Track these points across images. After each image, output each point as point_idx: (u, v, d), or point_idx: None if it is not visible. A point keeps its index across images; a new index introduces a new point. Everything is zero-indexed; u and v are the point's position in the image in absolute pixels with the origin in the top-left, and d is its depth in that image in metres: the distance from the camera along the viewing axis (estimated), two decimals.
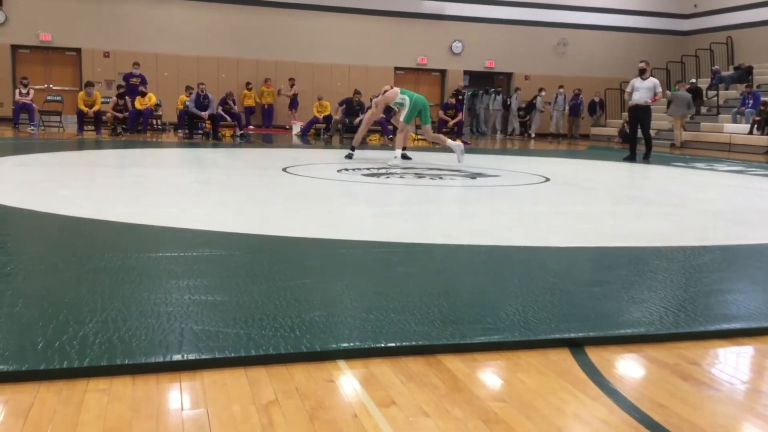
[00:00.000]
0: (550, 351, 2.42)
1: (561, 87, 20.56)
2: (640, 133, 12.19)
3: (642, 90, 11.73)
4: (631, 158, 12.08)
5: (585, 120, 21.16)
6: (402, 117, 10.02)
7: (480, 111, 21.27)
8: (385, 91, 10.29)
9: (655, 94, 11.77)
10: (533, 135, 20.56)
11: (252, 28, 19.60)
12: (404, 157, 10.38)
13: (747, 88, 17.44)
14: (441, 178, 8.01)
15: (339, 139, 15.44)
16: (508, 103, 20.89)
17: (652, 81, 11.83)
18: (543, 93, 20.50)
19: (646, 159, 12.04)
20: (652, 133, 13.06)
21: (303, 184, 7.23)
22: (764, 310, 2.94)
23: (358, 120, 15.42)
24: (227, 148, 12.47)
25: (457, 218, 5.28)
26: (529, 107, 20.89)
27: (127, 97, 15.44)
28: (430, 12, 20.94)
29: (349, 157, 10.45)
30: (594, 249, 4.25)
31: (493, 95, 20.82)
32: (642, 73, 11.87)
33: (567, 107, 20.60)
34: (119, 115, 15.11)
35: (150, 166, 9.00)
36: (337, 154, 11.60)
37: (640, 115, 11.97)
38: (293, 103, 19.49)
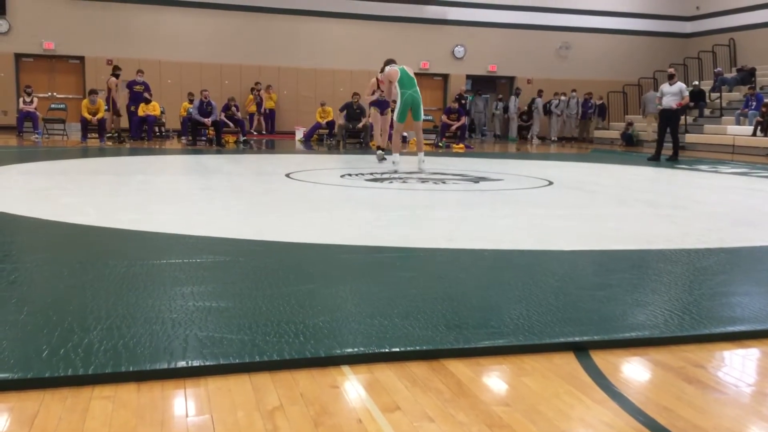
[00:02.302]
0: (554, 355, 2.42)
1: (574, 90, 20.66)
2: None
3: (669, 95, 12.32)
4: (656, 159, 12.69)
5: (588, 122, 21.24)
6: (395, 115, 9.59)
7: (499, 116, 21.26)
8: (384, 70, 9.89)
9: (682, 98, 12.50)
10: (555, 138, 20.59)
11: (254, 34, 19.65)
12: (380, 149, 10.84)
13: (750, 90, 17.42)
14: (444, 182, 8.01)
15: (342, 145, 15.46)
16: (549, 107, 20.84)
17: (679, 86, 12.51)
18: (561, 97, 20.56)
19: (674, 160, 12.66)
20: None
21: (306, 190, 7.24)
22: None
23: (361, 124, 15.49)
24: (230, 154, 12.50)
25: (461, 222, 5.28)
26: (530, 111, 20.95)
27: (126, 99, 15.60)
28: (433, 17, 20.97)
29: (383, 158, 10.60)
30: (598, 252, 4.25)
31: (535, 100, 20.70)
32: (670, 79, 12.55)
33: (579, 110, 20.70)
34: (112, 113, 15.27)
35: (154, 173, 9.02)
36: (340, 160, 11.62)
37: (669, 118, 12.66)
38: (260, 108, 19.22)
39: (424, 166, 9.15)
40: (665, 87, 12.65)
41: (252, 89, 19.12)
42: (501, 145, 18.84)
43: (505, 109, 21.09)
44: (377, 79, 10.83)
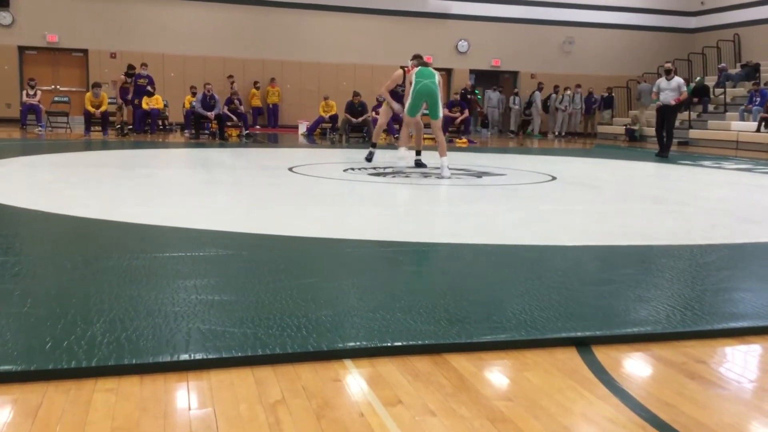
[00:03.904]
0: (556, 350, 2.42)
1: (578, 86, 20.66)
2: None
3: (667, 90, 12.08)
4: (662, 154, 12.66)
5: (592, 117, 21.25)
6: (405, 108, 8.60)
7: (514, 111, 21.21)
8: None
9: (680, 94, 12.24)
10: (563, 133, 20.57)
11: (258, 28, 19.63)
12: (418, 164, 8.94)
13: (754, 86, 17.36)
14: (447, 177, 7.99)
15: (345, 139, 15.49)
16: (554, 103, 20.79)
17: (677, 81, 12.25)
18: (567, 92, 20.57)
19: (662, 155, 12.47)
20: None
21: (309, 184, 7.24)
22: None
23: (362, 119, 15.54)
24: (233, 148, 12.50)
25: (463, 217, 5.28)
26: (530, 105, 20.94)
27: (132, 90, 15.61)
28: (436, 11, 20.92)
29: (370, 158, 9.27)
30: (601, 247, 4.24)
31: (551, 96, 20.59)
32: (667, 74, 12.27)
33: (583, 105, 20.69)
34: (126, 100, 15.30)
35: (157, 166, 9.03)
36: (343, 154, 11.62)
37: (666, 114, 12.42)
38: (228, 102, 18.73)
39: (446, 173, 7.93)
40: (662, 82, 12.31)
41: (231, 82, 18.38)
42: (514, 141, 18.79)
43: (528, 105, 20.95)
44: (404, 70, 9.28)
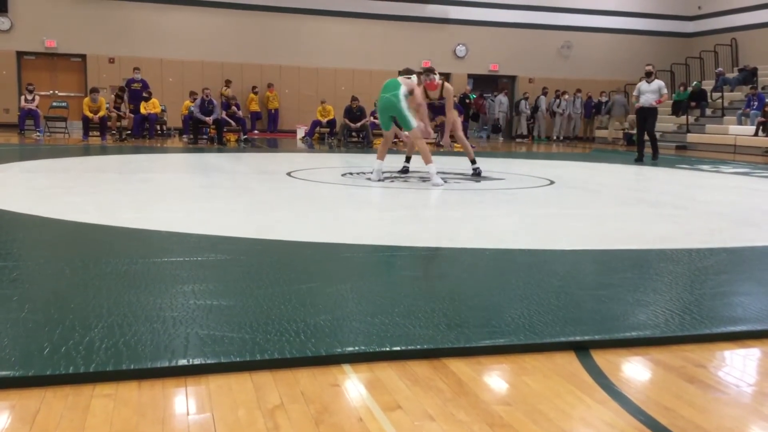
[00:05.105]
0: (555, 354, 2.42)
1: (579, 91, 20.71)
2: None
3: (648, 93, 12.00)
4: (640, 160, 12.40)
5: (591, 121, 21.31)
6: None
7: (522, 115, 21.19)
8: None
9: (660, 96, 12.02)
10: (561, 137, 20.61)
11: (256, 33, 19.66)
12: (404, 170, 8.69)
13: (752, 90, 17.40)
14: (446, 181, 8.00)
15: (343, 143, 15.51)
16: (552, 107, 20.82)
17: (657, 83, 12.15)
18: (566, 96, 20.62)
19: (654, 159, 12.24)
20: (657, 134, 13.31)
21: (307, 189, 7.24)
22: None
23: (360, 123, 15.58)
24: (232, 152, 12.50)
25: (462, 221, 5.28)
26: (535, 109, 20.99)
27: (127, 103, 15.60)
28: (434, 16, 20.97)
29: (405, 171, 8.74)
30: (599, 252, 4.25)
31: (559, 100, 20.65)
32: (648, 76, 12.16)
33: (583, 110, 20.73)
34: (120, 113, 15.32)
35: (155, 171, 9.02)
36: (341, 159, 11.62)
37: (647, 116, 12.18)
38: (226, 107, 18.76)
39: (436, 181, 7.67)
40: (643, 85, 12.20)
41: (226, 85, 18.36)
42: (521, 145, 18.81)
43: (535, 109, 20.95)
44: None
